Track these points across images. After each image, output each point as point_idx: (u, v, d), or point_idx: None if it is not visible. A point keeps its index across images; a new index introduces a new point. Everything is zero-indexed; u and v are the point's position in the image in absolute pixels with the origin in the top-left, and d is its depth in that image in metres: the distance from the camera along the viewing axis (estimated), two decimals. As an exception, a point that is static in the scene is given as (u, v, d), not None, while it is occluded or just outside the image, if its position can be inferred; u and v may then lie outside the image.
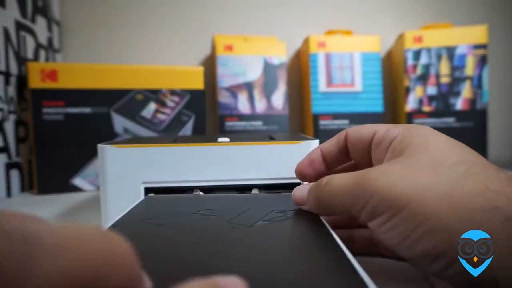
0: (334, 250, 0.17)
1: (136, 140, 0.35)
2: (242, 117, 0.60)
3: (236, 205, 0.25)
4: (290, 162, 0.30)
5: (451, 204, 0.16)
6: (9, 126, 0.49)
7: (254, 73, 0.61)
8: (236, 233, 0.19)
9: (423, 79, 0.61)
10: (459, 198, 0.16)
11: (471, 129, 0.60)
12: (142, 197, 0.30)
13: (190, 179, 0.30)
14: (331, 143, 0.25)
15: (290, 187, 0.31)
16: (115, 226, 0.20)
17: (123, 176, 0.29)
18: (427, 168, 0.17)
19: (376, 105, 0.62)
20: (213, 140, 0.32)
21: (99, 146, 0.29)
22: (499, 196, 0.16)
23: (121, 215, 0.22)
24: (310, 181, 0.26)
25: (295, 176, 0.31)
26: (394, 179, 0.17)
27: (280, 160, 0.30)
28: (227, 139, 0.32)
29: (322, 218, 0.22)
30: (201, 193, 0.30)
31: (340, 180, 0.19)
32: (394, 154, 0.20)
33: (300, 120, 0.72)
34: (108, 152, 0.29)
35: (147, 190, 0.30)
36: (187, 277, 0.12)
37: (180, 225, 0.21)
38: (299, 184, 0.30)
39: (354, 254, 0.20)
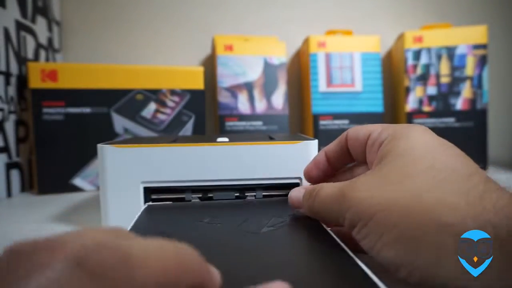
0: (341, 253, 0.18)
1: (136, 140, 0.35)
2: (242, 117, 0.61)
3: (236, 213, 0.25)
4: (289, 162, 0.30)
5: (409, 218, 0.17)
6: (9, 126, 0.49)
7: (254, 73, 0.61)
8: (248, 240, 0.20)
9: (423, 79, 0.61)
10: (417, 212, 0.17)
11: (471, 129, 0.60)
12: (142, 196, 0.30)
13: (189, 179, 0.30)
14: (334, 144, 0.26)
15: (289, 187, 0.31)
16: None
17: (123, 175, 0.29)
18: (394, 181, 0.18)
19: (376, 105, 0.62)
20: (213, 140, 0.32)
21: (99, 146, 0.30)
22: (455, 212, 0.16)
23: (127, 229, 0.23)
24: (317, 182, 0.26)
25: (294, 176, 0.31)
26: (365, 193, 0.19)
27: (279, 160, 0.30)
28: (226, 139, 0.32)
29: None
30: (198, 200, 0.30)
31: (327, 191, 0.21)
32: (378, 159, 0.21)
33: (300, 120, 0.72)
34: (108, 152, 0.29)
35: (147, 190, 0.30)
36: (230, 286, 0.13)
37: (190, 235, 0.21)
38: (297, 184, 0.30)
39: (360, 252, 0.20)
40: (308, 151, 0.30)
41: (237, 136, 0.41)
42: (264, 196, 0.31)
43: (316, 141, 0.31)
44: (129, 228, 0.23)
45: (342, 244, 0.19)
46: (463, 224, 0.16)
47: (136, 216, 0.25)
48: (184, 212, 0.27)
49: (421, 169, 0.18)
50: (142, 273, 0.10)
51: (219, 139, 0.32)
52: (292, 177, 0.30)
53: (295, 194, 0.24)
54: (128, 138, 0.41)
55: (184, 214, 0.26)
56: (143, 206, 0.29)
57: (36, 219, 0.36)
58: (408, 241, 0.17)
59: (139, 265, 0.10)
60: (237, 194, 0.31)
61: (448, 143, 0.20)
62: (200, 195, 0.31)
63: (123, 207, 0.29)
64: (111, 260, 0.10)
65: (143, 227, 0.23)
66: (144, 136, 0.52)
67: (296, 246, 0.20)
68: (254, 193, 0.31)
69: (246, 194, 0.31)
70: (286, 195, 0.30)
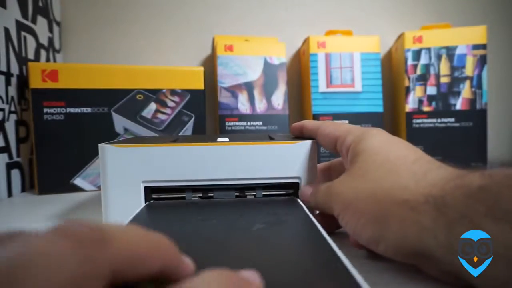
0: (327, 249, 0.18)
1: (137, 140, 0.35)
2: (242, 117, 0.61)
3: (232, 210, 0.26)
4: (289, 162, 0.30)
5: (376, 201, 0.21)
6: (10, 126, 0.49)
7: (254, 73, 0.61)
8: (238, 237, 0.20)
9: (423, 79, 0.61)
10: (381, 195, 0.21)
11: (470, 129, 0.60)
12: (142, 196, 0.30)
13: (190, 179, 0.30)
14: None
15: (288, 186, 0.31)
16: None
17: (124, 175, 0.29)
18: (359, 176, 0.23)
19: (376, 105, 0.62)
20: (213, 140, 0.32)
21: (100, 146, 0.30)
22: (407, 190, 0.20)
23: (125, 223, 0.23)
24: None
25: (293, 176, 0.31)
26: (342, 188, 0.24)
27: (279, 160, 0.30)
28: (226, 139, 0.32)
29: (312, 218, 0.24)
30: (199, 199, 0.31)
31: (323, 189, 0.26)
32: (349, 162, 0.26)
33: (300, 120, 0.72)
34: (109, 152, 0.29)
35: (147, 190, 0.30)
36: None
37: (184, 232, 0.22)
38: (297, 183, 0.31)
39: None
40: (307, 151, 0.30)
41: (237, 136, 0.41)
42: (264, 195, 0.31)
43: (315, 141, 0.31)
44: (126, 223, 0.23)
45: (329, 239, 0.19)
46: (415, 199, 0.19)
47: (134, 213, 0.26)
48: (184, 209, 0.27)
49: (378, 163, 0.23)
50: (114, 243, 0.11)
51: (220, 139, 0.32)
52: (292, 176, 0.30)
53: (304, 190, 0.29)
54: (129, 138, 0.41)
55: (183, 212, 0.26)
56: (143, 205, 0.29)
57: (37, 219, 0.37)
58: (378, 221, 0.20)
59: (111, 238, 0.11)
60: (237, 194, 0.31)
61: (398, 139, 0.25)
62: (201, 195, 0.31)
63: (124, 207, 0.29)
64: (88, 229, 0.11)
65: (139, 222, 0.23)
66: (144, 136, 0.52)
67: (283, 243, 0.20)
68: (254, 193, 0.31)
69: (246, 193, 0.31)
70: (286, 194, 0.31)
